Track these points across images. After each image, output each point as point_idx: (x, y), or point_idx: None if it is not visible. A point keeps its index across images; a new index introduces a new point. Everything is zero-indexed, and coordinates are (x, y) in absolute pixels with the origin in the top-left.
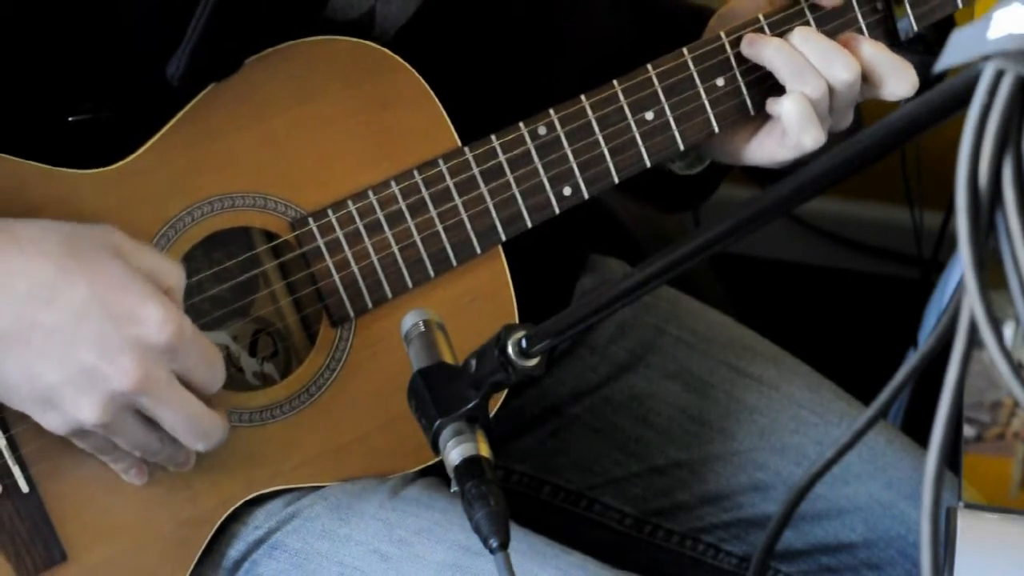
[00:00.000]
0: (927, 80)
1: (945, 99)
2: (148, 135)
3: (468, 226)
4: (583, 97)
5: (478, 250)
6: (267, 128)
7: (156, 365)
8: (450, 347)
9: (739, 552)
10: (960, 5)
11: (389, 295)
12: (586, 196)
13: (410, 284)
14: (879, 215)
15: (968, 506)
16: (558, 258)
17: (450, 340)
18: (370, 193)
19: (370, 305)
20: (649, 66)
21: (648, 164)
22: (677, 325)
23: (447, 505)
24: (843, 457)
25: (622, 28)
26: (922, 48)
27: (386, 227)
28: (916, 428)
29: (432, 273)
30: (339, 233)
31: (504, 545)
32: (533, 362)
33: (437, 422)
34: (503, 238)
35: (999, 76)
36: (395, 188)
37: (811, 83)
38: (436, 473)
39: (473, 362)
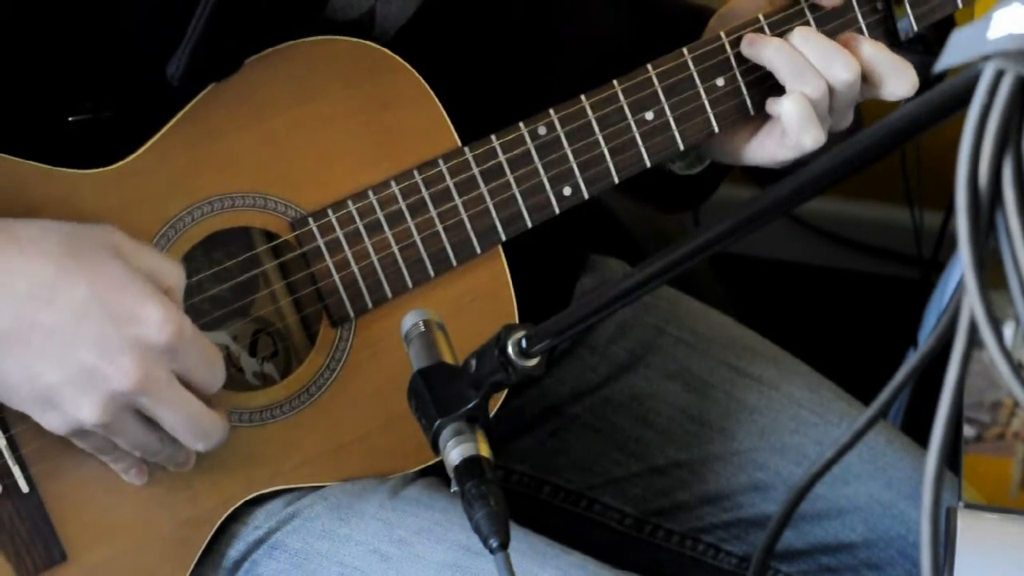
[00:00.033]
0: (927, 80)
1: (945, 99)
2: (148, 135)
3: (468, 226)
4: (583, 97)
5: (478, 250)
6: (267, 128)
7: (156, 365)
8: (450, 347)
9: (739, 552)
10: (960, 5)
11: (389, 295)
12: (586, 196)
13: (410, 284)
14: (879, 215)
15: (968, 506)
16: (558, 258)
17: (450, 340)
18: (370, 193)
19: (370, 305)
20: (649, 66)
21: (648, 164)
22: (677, 325)
23: (447, 505)
24: (843, 457)
25: (622, 28)
26: (922, 48)
27: (386, 227)
28: (916, 428)
29: (432, 273)
30: (339, 233)
31: (504, 545)
32: (533, 362)
33: (437, 422)
34: (503, 238)
35: (999, 76)
36: (395, 188)
37: (811, 83)
38: (436, 473)
39: (473, 362)
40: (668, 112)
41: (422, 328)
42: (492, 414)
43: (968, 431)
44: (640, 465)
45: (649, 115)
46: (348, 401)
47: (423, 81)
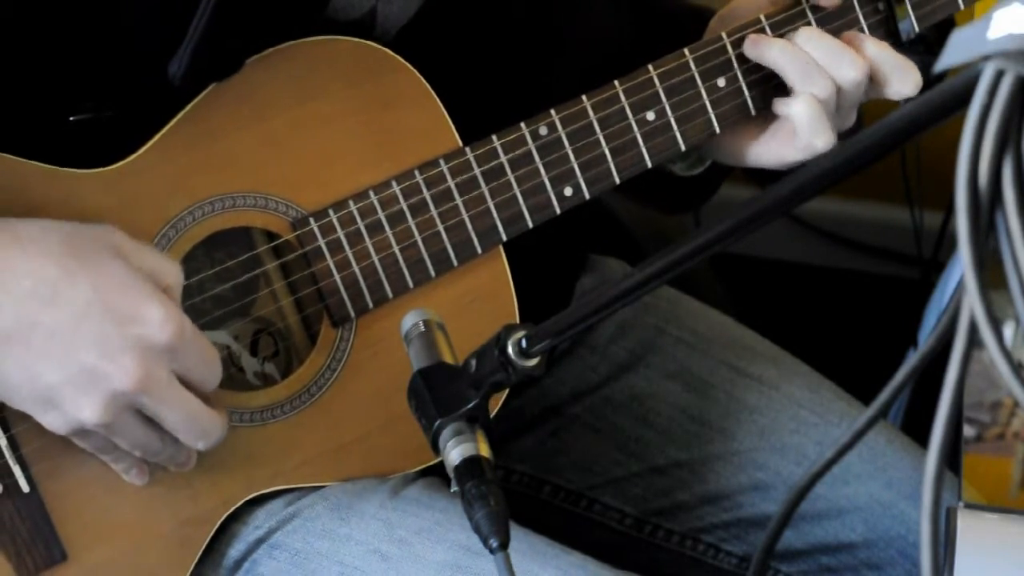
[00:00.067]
0: (927, 80)
1: (945, 99)
2: (149, 135)
3: (469, 226)
4: (584, 97)
5: (479, 250)
6: (268, 128)
7: (157, 365)
8: (450, 347)
9: (739, 552)
10: (962, 6)
11: (390, 295)
12: (587, 196)
13: (411, 284)
14: (879, 215)
15: (968, 506)
16: (558, 258)
17: (450, 340)
18: (371, 193)
19: (371, 305)
20: (650, 66)
21: (649, 164)
22: (677, 325)
23: (447, 505)
24: (843, 457)
25: (623, 28)
26: (923, 48)
27: (387, 227)
28: (916, 428)
29: (433, 273)
30: (340, 233)
31: (504, 545)
32: (533, 362)
33: (437, 422)
34: (504, 238)
35: (999, 76)
36: (396, 188)
37: (819, 83)
38: (437, 473)
39: (473, 362)
40: (669, 112)
41: (422, 328)
42: (492, 414)
43: (968, 431)
44: (640, 465)
45: (650, 115)
46: (349, 401)
47: (424, 81)
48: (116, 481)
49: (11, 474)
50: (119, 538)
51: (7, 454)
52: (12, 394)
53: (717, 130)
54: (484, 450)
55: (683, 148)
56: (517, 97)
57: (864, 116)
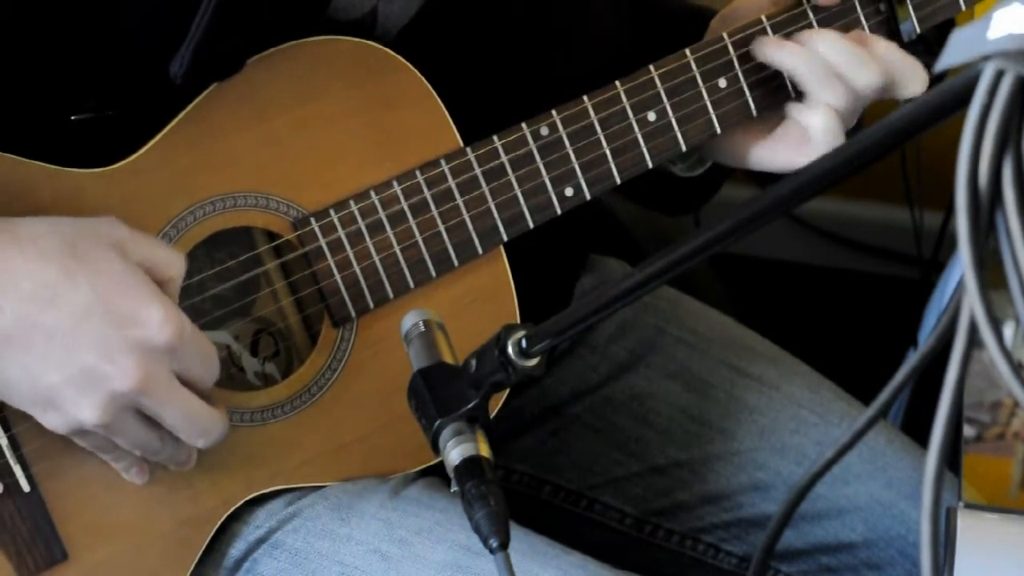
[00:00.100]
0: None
1: (945, 99)
2: (151, 134)
3: (470, 226)
4: (585, 98)
5: (480, 250)
6: (269, 128)
7: (156, 366)
8: (450, 347)
9: (739, 552)
10: (964, 7)
11: (391, 295)
12: (588, 197)
13: (412, 284)
14: (879, 215)
15: (968, 506)
16: (558, 258)
17: (450, 340)
18: (372, 193)
19: (372, 305)
20: (651, 67)
21: (650, 165)
22: (677, 325)
23: (448, 505)
24: (843, 457)
25: (624, 29)
26: (923, 48)
27: (388, 227)
28: (916, 428)
29: (434, 273)
30: (341, 233)
31: (504, 545)
32: (533, 362)
33: (437, 422)
34: (505, 238)
35: (999, 76)
36: (397, 188)
37: (838, 92)
38: (437, 473)
39: (473, 362)
40: (670, 113)
41: (422, 328)
42: (492, 414)
43: (968, 431)
44: (640, 465)
45: (651, 116)
46: (349, 401)
47: (425, 81)
48: (117, 481)
49: (12, 473)
50: (120, 538)
51: (8, 453)
52: (12, 393)
53: (718, 130)
54: (484, 450)
55: (684, 148)
56: (518, 97)
57: (864, 116)
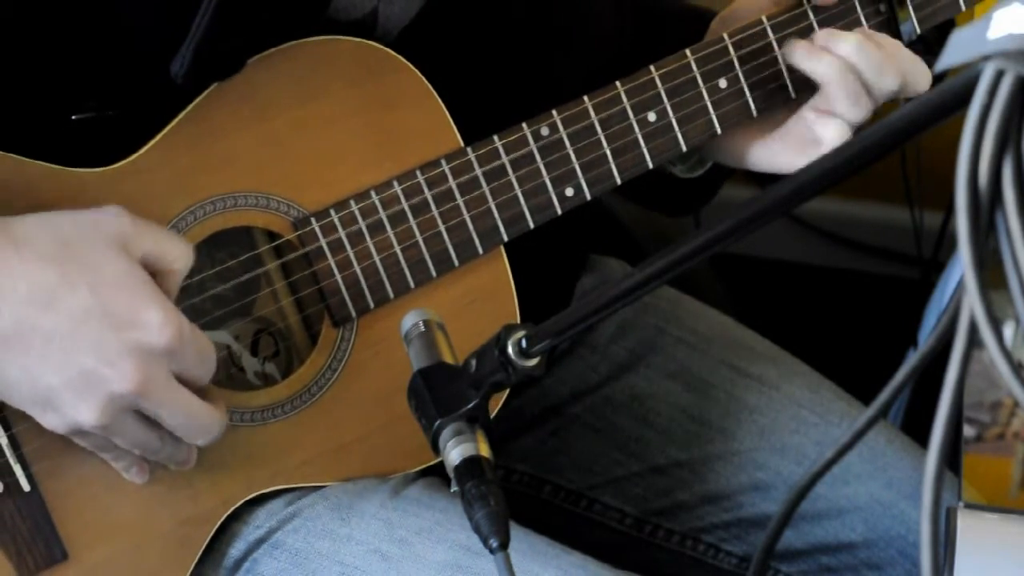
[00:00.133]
0: None
1: (945, 99)
2: (151, 134)
3: (470, 226)
4: (586, 98)
5: (480, 250)
6: (270, 128)
7: (155, 367)
8: (450, 347)
9: (739, 552)
10: (964, 8)
11: (391, 295)
12: (588, 197)
13: (412, 284)
14: (879, 215)
15: (968, 506)
16: (558, 258)
17: (450, 340)
18: (372, 193)
19: (372, 305)
20: (652, 67)
21: (650, 165)
22: (677, 325)
23: (448, 505)
24: (843, 457)
25: (624, 29)
26: (922, 48)
27: (388, 227)
28: (916, 428)
29: (434, 273)
30: (341, 233)
31: (504, 545)
32: (533, 362)
33: (437, 422)
34: (505, 238)
35: (999, 76)
36: (397, 188)
37: (863, 110)
38: (437, 473)
39: (473, 362)
40: (671, 113)
41: (422, 328)
42: (492, 414)
43: (968, 431)
44: (640, 465)
45: (652, 116)
46: (349, 401)
47: (426, 81)
48: (117, 480)
49: (12, 473)
50: (119, 537)
51: (8, 453)
52: (12, 393)
53: (718, 131)
54: (484, 450)
55: (684, 149)
56: (518, 97)
57: None
